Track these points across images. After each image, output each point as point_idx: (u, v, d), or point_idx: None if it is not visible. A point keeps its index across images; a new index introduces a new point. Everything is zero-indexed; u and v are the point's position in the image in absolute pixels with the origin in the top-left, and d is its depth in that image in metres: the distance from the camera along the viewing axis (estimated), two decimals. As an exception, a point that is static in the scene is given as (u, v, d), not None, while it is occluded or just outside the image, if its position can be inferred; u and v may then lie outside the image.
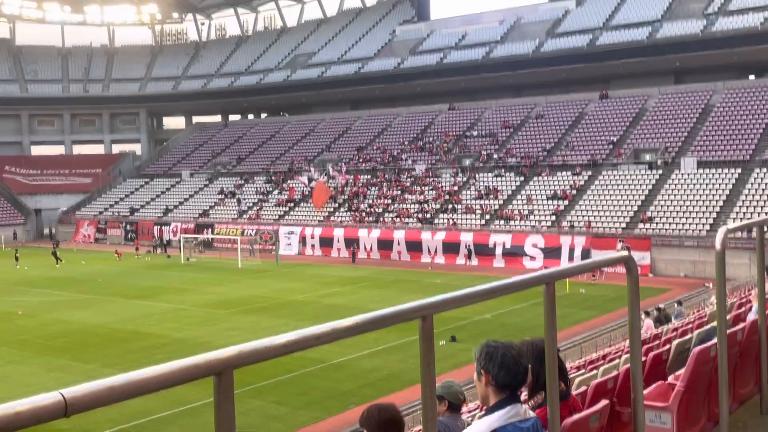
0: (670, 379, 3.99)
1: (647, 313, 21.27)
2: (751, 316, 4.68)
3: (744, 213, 42.48)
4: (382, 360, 24.72)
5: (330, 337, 1.78)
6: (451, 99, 70.03)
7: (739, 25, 55.44)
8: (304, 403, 21.10)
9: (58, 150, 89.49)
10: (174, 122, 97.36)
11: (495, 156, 59.15)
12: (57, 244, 64.38)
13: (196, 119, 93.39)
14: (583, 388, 4.57)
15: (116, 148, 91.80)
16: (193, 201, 70.82)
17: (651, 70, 59.52)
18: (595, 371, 7.09)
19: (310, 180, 63.57)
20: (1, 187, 78.85)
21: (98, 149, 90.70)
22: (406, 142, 66.52)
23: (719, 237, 3.25)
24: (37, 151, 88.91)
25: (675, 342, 5.29)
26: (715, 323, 6.47)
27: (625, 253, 2.72)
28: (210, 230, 62.13)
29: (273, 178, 69.07)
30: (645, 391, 3.91)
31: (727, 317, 6.84)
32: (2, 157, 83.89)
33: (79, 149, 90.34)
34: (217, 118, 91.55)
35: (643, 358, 5.31)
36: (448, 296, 2.06)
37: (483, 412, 2.68)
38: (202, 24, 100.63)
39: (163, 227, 65.63)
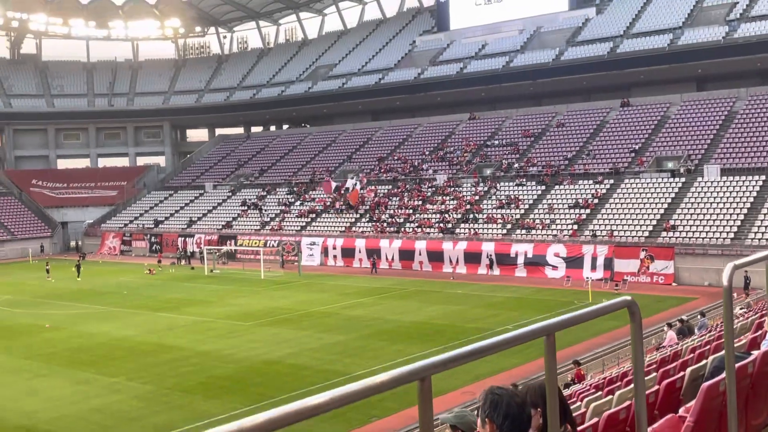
0: (681, 411, 4.05)
1: (670, 325, 21.15)
2: (765, 346, 4.71)
3: (769, 221, 42.03)
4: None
5: (327, 407, 1.84)
6: (472, 108, 70.04)
7: (762, 31, 54.94)
8: (326, 416, 21.17)
9: (83, 163, 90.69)
10: (197, 134, 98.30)
11: (516, 165, 59.04)
12: (83, 256, 65.13)
13: (219, 131, 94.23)
14: (595, 419, 4.63)
15: (141, 161, 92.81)
16: (217, 213, 71.40)
17: (673, 78, 59.12)
18: (611, 396, 7.12)
19: (337, 188, 63.64)
20: (28, 200, 79.99)
21: (123, 162, 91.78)
22: (427, 152, 66.61)
23: (726, 273, 3.30)
24: (63, 164, 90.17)
25: (689, 369, 5.33)
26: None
27: (628, 297, 2.80)
28: (233, 242, 62.55)
29: (295, 189, 69.47)
30: (655, 425, 3.98)
31: (745, 338, 6.86)
32: (29, 171, 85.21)
33: (104, 162, 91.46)
34: (240, 130, 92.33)
35: (656, 387, 5.37)
36: (446, 356, 2.15)
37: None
38: (225, 37, 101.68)
39: (187, 239, 66.21)
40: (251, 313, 37.41)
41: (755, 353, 4.66)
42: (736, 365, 3.78)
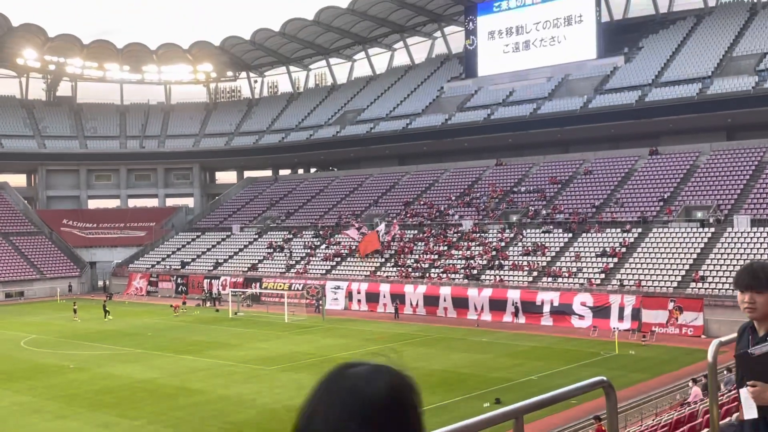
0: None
1: (695, 381, 20.70)
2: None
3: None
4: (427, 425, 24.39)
5: None
6: (499, 154, 70.15)
7: (792, 80, 54.63)
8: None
9: (113, 203, 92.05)
10: (226, 177, 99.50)
11: (543, 212, 58.80)
12: (110, 297, 65.64)
13: (247, 174, 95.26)
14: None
15: (170, 202, 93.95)
16: (243, 255, 71.78)
17: (702, 127, 58.78)
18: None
19: (359, 229, 63.80)
20: (58, 240, 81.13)
21: (152, 203, 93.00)
22: (453, 198, 66.66)
23: (711, 350, 3.25)
24: (93, 204, 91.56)
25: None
26: (735, 416, 6.31)
27: (603, 377, 2.75)
28: (258, 284, 62.70)
29: (321, 232, 69.73)
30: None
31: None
32: (60, 211, 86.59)
33: (134, 203, 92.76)
34: (268, 173, 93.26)
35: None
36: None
37: None
38: (255, 82, 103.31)
39: (212, 281, 66.52)
40: (274, 358, 37.32)
41: None
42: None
